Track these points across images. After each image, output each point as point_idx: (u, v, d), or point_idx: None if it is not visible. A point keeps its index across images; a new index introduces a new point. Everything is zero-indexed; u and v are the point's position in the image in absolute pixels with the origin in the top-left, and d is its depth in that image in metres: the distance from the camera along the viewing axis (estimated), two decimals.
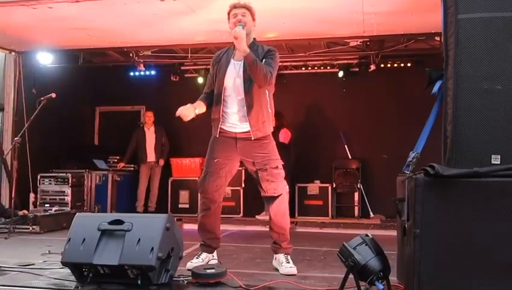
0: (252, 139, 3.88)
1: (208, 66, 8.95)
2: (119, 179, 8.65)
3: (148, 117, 8.74)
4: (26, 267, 3.78)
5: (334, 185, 8.27)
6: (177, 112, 3.87)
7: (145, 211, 8.34)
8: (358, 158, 8.44)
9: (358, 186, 8.26)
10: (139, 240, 3.18)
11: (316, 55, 8.20)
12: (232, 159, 3.99)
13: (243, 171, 8.60)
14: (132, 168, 8.86)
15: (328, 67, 8.69)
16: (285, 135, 8.13)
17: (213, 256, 4.08)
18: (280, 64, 8.49)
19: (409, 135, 3.77)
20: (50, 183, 7.80)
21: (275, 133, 7.97)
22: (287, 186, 4.09)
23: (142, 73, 8.94)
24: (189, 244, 4.65)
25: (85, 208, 7.94)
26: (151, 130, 8.71)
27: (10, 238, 5.70)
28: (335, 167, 8.38)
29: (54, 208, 7.37)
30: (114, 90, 9.22)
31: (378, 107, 8.38)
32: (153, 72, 9.09)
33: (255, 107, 3.87)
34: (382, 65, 8.25)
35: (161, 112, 8.77)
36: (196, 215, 8.51)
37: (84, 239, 3.26)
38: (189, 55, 8.64)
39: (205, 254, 4.04)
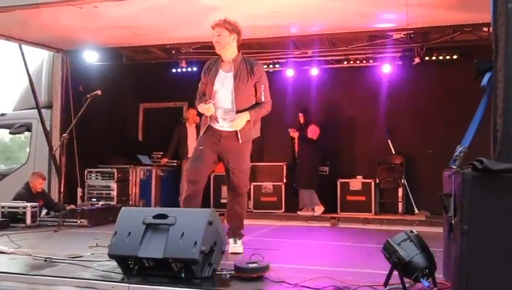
0: (240, 142, 4.31)
1: None
2: (162, 174, 8.80)
3: (191, 114, 8.83)
4: (75, 259, 3.89)
5: (377, 181, 8.16)
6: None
7: None
8: (402, 153, 8.28)
9: (402, 181, 8.11)
10: (182, 234, 3.22)
11: (358, 49, 8.08)
12: (213, 150, 4.38)
13: (284, 166, 8.63)
14: (175, 164, 8.99)
15: (371, 61, 8.54)
16: (313, 131, 8.10)
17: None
18: (321, 58, 8.62)
19: (455, 129, 3.66)
20: (96, 178, 8.01)
21: (303, 130, 8.08)
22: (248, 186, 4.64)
23: (184, 70, 9.05)
24: None
25: (130, 203, 8.11)
26: (193, 126, 8.80)
27: (59, 231, 5.90)
28: (378, 162, 8.26)
29: (100, 202, 7.56)
30: (157, 87, 9.37)
31: (422, 100, 8.18)
32: (194, 69, 9.16)
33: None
34: (427, 58, 8.04)
35: None
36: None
37: (129, 233, 3.33)
38: None
39: None
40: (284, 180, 8.54)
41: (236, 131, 4.28)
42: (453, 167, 2.86)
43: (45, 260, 3.88)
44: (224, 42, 4.31)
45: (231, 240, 4.43)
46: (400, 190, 8.14)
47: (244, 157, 4.41)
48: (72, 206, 6.82)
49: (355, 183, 8.22)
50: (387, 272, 3.02)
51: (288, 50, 8.40)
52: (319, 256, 4.61)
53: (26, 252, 4.20)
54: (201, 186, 4.42)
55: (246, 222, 7.51)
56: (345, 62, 8.70)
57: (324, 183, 8.34)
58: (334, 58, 8.73)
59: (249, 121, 4.31)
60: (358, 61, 8.63)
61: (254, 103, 4.38)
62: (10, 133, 9.23)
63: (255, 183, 8.73)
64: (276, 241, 5.53)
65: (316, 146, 8.14)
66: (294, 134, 8.22)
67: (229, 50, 4.36)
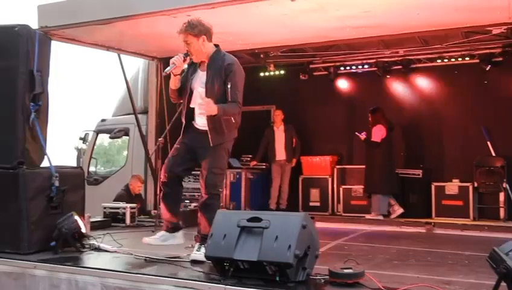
0: (211, 145, 4.12)
1: (337, 64, 9.02)
2: (252, 176, 8.90)
3: (276, 116, 8.90)
4: (173, 259, 4.05)
5: (476, 185, 7.70)
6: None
7: (277, 208, 8.50)
8: (504, 155, 7.74)
9: (504, 185, 7.58)
10: (276, 237, 3.24)
11: (453, 46, 7.70)
12: (188, 148, 4.29)
13: None
14: (264, 167, 9.07)
15: (467, 58, 8.10)
16: (377, 133, 7.85)
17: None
18: (412, 57, 8.35)
19: None
20: (189, 181, 8.23)
21: (368, 131, 7.82)
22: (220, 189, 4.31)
23: (271, 73, 9.13)
24: (322, 243, 4.63)
25: (221, 205, 8.25)
26: (281, 129, 8.84)
27: (156, 232, 6.15)
28: (476, 165, 7.79)
29: (193, 204, 7.77)
30: (245, 91, 9.44)
31: None
32: (282, 72, 9.23)
33: (215, 116, 4.06)
34: None
35: (291, 110, 8.89)
36: (327, 213, 8.56)
37: (225, 235, 3.40)
38: (318, 53, 8.65)
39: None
40: None
41: (208, 134, 4.12)
42: None
43: (145, 260, 4.08)
44: (195, 50, 4.20)
45: (196, 245, 4.15)
46: (502, 195, 7.61)
47: (215, 160, 4.17)
48: (155, 212, 7.03)
49: (452, 187, 7.82)
50: (492, 283, 2.84)
51: (378, 50, 8.19)
52: (414, 263, 4.44)
53: (127, 251, 4.44)
54: (172, 183, 4.34)
55: (336, 225, 7.52)
56: (439, 60, 8.34)
57: (417, 187, 8.04)
58: (426, 56, 8.39)
59: (215, 119, 4.08)
60: (453, 59, 8.22)
61: (223, 101, 4.18)
62: (110, 137, 9.80)
63: (344, 187, 8.63)
64: (369, 246, 5.39)
65: (380, 149, 7.86)
66: (362, 136, 8.01)
67: (202, 53, 4.23)
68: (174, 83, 4.30)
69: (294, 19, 6.00)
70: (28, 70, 4.86)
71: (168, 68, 4.17)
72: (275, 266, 3.21)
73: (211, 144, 4.15)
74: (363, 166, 8.37)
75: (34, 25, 5.48)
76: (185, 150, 4.31)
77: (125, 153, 9.93)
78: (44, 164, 4.98)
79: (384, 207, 7.81)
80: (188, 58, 4.22)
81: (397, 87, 8.68)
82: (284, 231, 3.26)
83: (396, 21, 6.20)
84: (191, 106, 4.31)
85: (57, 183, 4.72)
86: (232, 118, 4.26)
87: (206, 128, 4.17)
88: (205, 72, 4.24)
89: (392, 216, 7.75)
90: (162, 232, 4.39)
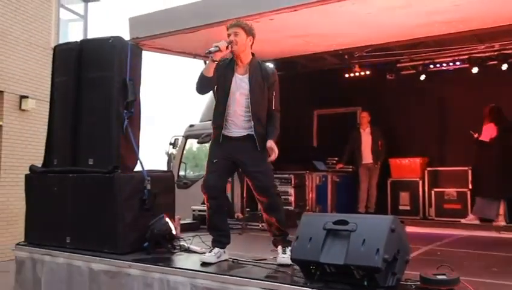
0: (258, 150, 4.15)
1: (427, 61, 8.66)
2: (337, 180, 8.76)
3: (362, 118, 8.72)
4: (260, 261, 4.08)
5: None
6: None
7: (366, 212, 8.31)
8: None
9: None
10: (364, 240, 3.16)
11: None
12: (228, 159, 4.25)
13: (469, 171, 7.98)
14: (350, 169, 8.91)
15: None
16: (486, 132, 7.36)
17: (224, 251, 4.26)
18: (509, 51, 7.78)
19: None
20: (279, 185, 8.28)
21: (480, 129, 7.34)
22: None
23: (357, 74, 8.95)
24: (413, 248, 4.45)
25: (307, 208, 8.23)
26: (367, 131, 8.64)
27: (243, 234, 6.25)
28: None
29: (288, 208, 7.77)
30: (330, 93, 9.37)
31: None
32: (367, 72, 9.01)
33: (261, 121, 4.19)
34: None
35: (378, 111, 8.67)
36: (418, 217, 8.23)
37: (310, 238, 3.37)
38: (405, 51, 8.36)
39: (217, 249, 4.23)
40: (470, 186, 7.90)
41: (254, 138, 4.15)
42: None
43: (233, 261, 4.14)
44: (241, 43, 4.14)
45: (281, 248, 4.19)
46: None
47: (265, 162, 4.17)
48: (238, 215, 7.11)
49: None
50: None
51: (471, 45, 7.76)
52: None
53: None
54: (222, 199, 4.41)
55: (427, 230, 7.21)
56: None
57: None
58: None
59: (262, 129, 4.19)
60: None
61: (266, 108, 4.24)
62: (198, 142, 10.08)
63: (436, 190, 8.26)
64: (464, 252, 5.10)
65: (489, 149, 7.37)
66: (475, 135, 7.61)
67: (244, 52, 4.20)
68: (210, 70, 4.12)
69: (379, 17, 5.85)
70: (122, 79, 5.11)
71: (212, 49, 4.04)
72: (363, 270, 3.13)
73: (259, 148, 4.20)
74: (457, 167, 7.97)
75: (126, 36, 5.79)
76: (224, 165, 4.28)
77: None
78: (137, 168, 5.22)
79: (485, 211, 7.33)
80: (230, 46, 4.14)
81: (494, 84, 8.16)
82: (372, 234, 3.17)
83: (489, 13, 5.85)
84: (233, 108, 4.20)
85: (149, 187, 4.92)
86: None
87: (242, 134, 4.22)
88: (245, 77, 4.22)
89: (462, 220, 7.37)
90: (217, 249, 4.27)
